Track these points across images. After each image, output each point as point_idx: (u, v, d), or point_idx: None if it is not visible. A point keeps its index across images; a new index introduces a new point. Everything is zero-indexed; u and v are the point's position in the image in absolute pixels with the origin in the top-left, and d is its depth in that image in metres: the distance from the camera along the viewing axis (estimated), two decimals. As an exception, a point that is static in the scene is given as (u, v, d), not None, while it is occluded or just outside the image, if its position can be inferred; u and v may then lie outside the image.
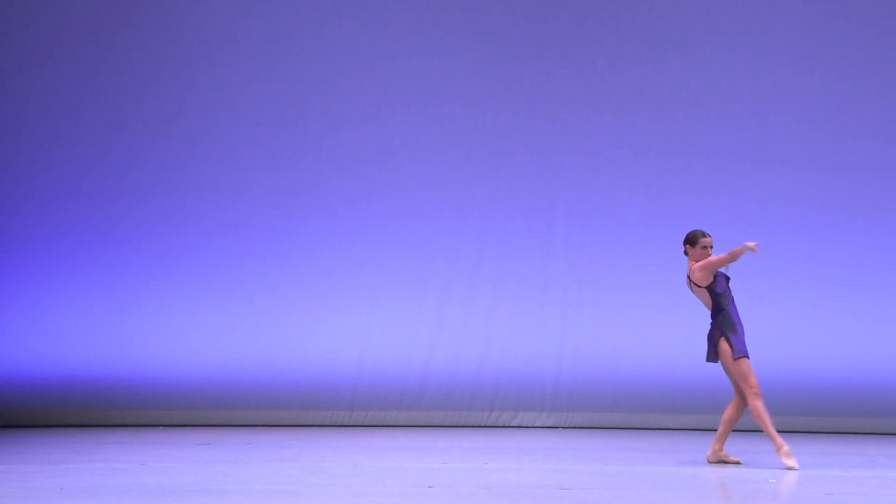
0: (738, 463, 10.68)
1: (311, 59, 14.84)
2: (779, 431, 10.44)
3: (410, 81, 14.81)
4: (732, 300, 10.68)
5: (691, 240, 10.77)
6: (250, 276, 14.71)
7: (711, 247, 10.71)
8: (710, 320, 10.71)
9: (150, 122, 14.79)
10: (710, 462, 10.74)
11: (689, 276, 10.74)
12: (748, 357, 10.53)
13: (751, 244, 10.43)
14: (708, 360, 10.74)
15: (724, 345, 10.56)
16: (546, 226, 14.61)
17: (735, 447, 11.24)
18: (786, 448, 10.38)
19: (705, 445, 11.20)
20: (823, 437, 13.62)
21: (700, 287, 10.65)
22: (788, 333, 14.24)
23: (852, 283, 14.37)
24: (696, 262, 10.69)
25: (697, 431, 13.59)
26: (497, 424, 14.48)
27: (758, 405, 10.41)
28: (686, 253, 10.81)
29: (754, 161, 14.52)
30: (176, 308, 14.67)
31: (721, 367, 10.71)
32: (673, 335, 14.16)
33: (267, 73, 14.82)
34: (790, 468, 10.24)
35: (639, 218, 14.56)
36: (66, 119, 14.75)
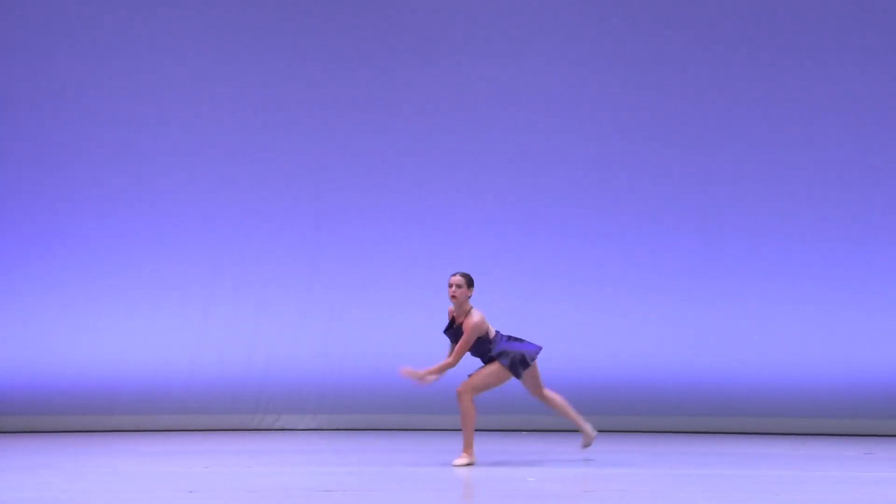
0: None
1: (81, 57, 14.54)
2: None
3: (178, 81, 14.64)
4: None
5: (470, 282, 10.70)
6: (4, 277, 14.37)
7: (452, 285, 10.61)
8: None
9: None
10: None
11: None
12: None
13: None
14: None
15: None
16: (313, 228, 14.59)
17: (494, 447, 11.35)
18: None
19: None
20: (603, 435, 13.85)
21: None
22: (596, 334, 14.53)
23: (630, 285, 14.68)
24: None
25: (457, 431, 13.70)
26: (261, 427, 14.39)
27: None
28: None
29: (526, 160, 14.77)
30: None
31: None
32: (436, 337, 14.30)
33: (39, 68, 14.48)
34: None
35: (405, 219, 14.65)
36: None
